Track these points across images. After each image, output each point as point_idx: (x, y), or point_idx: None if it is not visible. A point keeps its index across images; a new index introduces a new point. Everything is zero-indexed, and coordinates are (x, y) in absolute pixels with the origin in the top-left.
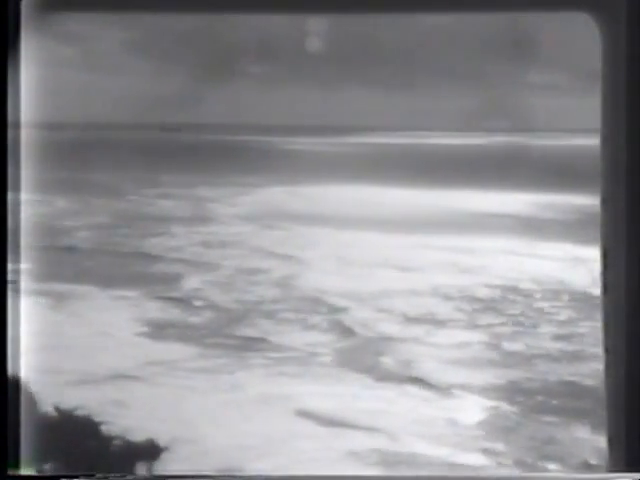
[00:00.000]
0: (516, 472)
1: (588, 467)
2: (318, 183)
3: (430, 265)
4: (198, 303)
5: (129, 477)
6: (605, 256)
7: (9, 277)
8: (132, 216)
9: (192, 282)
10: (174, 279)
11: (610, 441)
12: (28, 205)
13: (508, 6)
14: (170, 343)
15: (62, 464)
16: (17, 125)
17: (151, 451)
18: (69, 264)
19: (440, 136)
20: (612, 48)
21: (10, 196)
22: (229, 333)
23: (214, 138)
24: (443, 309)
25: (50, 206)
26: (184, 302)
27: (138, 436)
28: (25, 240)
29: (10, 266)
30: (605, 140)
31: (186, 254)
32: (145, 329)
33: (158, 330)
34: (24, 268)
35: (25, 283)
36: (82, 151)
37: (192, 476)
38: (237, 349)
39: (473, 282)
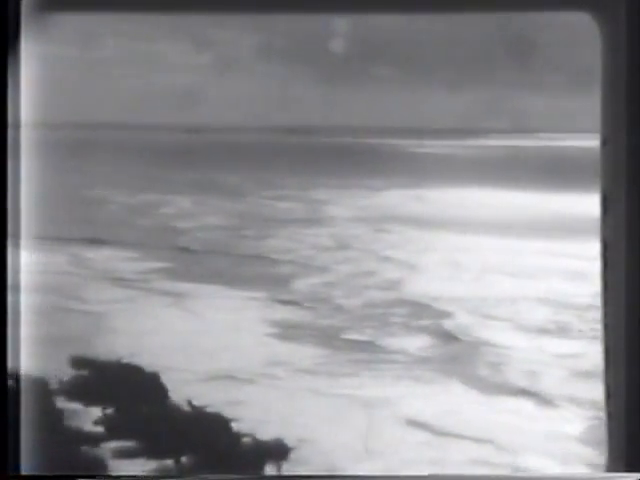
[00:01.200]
0: (516, 472)
1: (588, 467)
2: (440, 186)
3: (546, 271)
4: (308, 304)
5: (129, 477)
6: (605, 255)
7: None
8: (250, 217)
9: (303, 284)
10: (286, 281)
11: (610, 441)
12: (153, 206)
13: (508, 6)
14: (289, 344)
15: (195, 459)
16: (17, 125)
17: (280, 450)
18: (192, 264)
19: (563, 138)
20: (612, 48)
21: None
22: (338, 335)
23: (341, 141)
24: (557, 317)
25: (174, 206)
26: (294, 304)
27: (265, 434)
28: (153, 241)
29: (140, 265)
30: (605, 140)
31: (299, 256)
32: (268, 330)
33: (283, 330)
34: (156, 267)
35: (156, 282)
36: (214, 153)
37: (192, 477)
38: (345, 351)
39: (589, 291)
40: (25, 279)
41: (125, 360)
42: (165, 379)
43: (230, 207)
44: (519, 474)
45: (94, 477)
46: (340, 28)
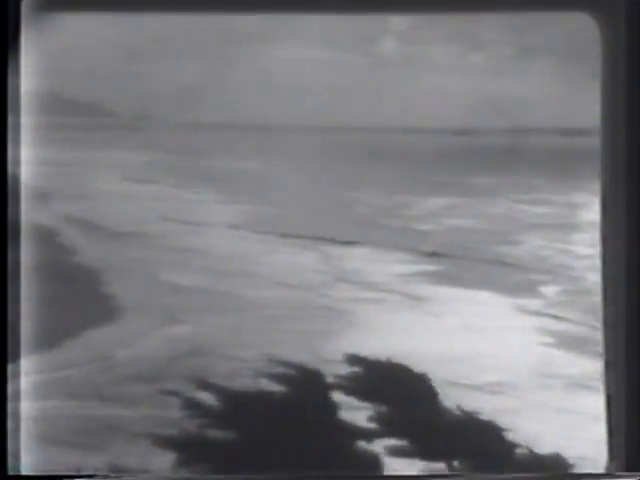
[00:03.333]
0: (516, 472)
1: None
2: None
3: None
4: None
5: (129, 477)
6: (605, 255)
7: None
8: (497, 221)
9: (548, 293)
10: (531, 289)
11: (610, 441)
12: (404, 207)
13: (508, 6)
14: (564, 354)
15: (467, 464)
16: (17, 126)
17: (558, 466)
18: (448, 268)
19: None
20: (612, 48)
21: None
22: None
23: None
24: None
25: (423, 208)
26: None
27: (542, 448)
28: (399, 242)
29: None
30: (604, 139)
31: (547, 264)
32: (541, 339)
33: (557, 340)
34: (405, 270)
35: (405, 285)
36: (471, 155)
37: (192, 477)
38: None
39: None
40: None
41: (395, 359)
42: (433, 382)
43: (481, 210)
44: (519, 474)
45: (94, 477)
46: None
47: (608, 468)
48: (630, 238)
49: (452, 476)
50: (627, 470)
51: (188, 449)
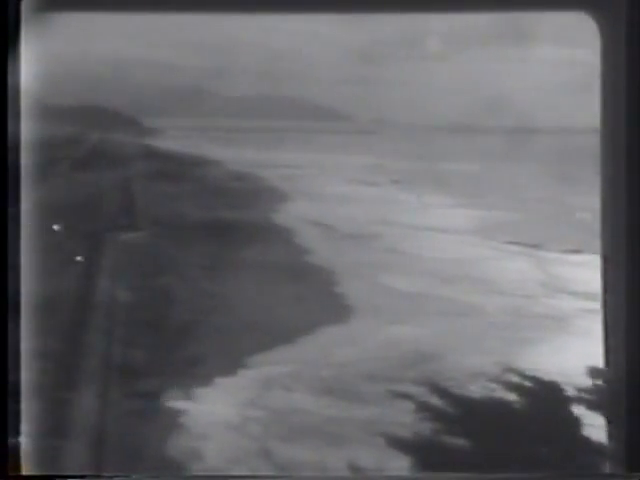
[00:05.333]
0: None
1: (588, 468)
2: None
3: None
4: None
5: (129, 477)
6: (606, 257)
7: None
8: None
9: None
10: None
11: (611, 442)
12: None
13: (508, 6)
14: None
15: None
16: (17, 127)
17: None
18: None
19: None
20: (612, 48)
21: None
22: None
23: None
24: None
25: None
26: None
27: None
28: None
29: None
30: (605, 139)
31: None
32: None
33: None
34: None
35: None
36: None
37: (191, 477)
38: None
39: None
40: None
41: None
42: None
43: None
44: (519, 474)
45: (95, 477)
46: None
47: (609, 469)
48: (631, 239)
49: (452, 476)
50: (627, 470)
51: (423, 453)
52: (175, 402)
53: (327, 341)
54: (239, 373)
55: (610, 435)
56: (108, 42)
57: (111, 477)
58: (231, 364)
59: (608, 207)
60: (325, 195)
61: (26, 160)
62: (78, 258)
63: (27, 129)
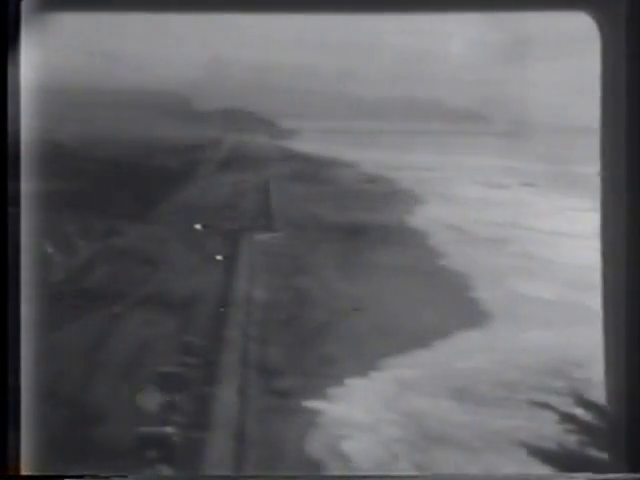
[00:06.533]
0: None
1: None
2: None
3: None
4: None
5: (129, 477)
6: (606, 255)
7: None
8: None
9: None
10: None
11: (611, 441)
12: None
13: (509, 6)
14: None
15: None
16: (17, 126)
17: None
18: None
19: None
20: (612, 48)
21: None
22: None
23: None
24: None
25: None
26: None
27: None
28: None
29: None
30: (604, 139)
31: None
32: None
33: None
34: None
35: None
36: None
37: (189, 476)
38: None
39: None
40: None
41: None
42: None
43: None
44: (519, 474)
45: (97, 477)
46: None
47: (609, 469)
48: (630, 238)
49: (451, 476)
50: (628, 470)
51: (565, 463)
52: (311, 401)
53: (463, 346)
54: (373, 375)
55: (611, 435)
56: (250, 47)
57: (110, 477)
58: (365, 366)
59: (608, 207)
60: (458, 198)
61: (170, 162)
62: (218, 257)
63: (174, 132)
